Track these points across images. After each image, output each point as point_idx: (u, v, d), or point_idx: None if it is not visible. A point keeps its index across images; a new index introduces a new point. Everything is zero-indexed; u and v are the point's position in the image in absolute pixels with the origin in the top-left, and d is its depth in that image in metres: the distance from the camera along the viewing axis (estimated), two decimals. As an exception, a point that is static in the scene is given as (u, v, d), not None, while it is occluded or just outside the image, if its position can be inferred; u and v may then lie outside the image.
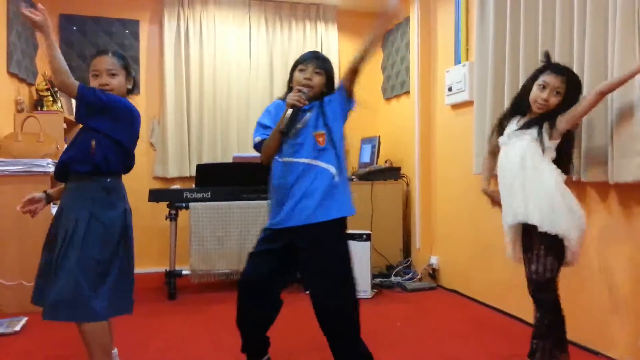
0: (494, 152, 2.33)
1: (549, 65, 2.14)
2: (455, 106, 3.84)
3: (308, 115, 2.10)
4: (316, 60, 2.14)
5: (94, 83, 2.02)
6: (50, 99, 4.01)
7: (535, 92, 2.11)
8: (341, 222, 2.13)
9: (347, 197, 2.16)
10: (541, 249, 2.01)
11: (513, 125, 2.20)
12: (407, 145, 4.44)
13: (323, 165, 2.07)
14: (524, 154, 2.09)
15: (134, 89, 2.16)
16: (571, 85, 2.10)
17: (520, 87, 2.89)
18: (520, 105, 2.21)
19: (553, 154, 2.10)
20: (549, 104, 2.08)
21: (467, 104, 3.63)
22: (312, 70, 2.12)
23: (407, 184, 4.47)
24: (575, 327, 2.32)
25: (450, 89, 3.81)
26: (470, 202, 3.65)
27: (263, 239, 2.16)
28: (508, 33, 3.05)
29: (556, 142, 2.09)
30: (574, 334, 2.31)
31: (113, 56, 2.05)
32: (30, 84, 4.05)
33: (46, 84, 4.00)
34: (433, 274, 4.08)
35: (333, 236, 2.10)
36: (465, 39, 3.70)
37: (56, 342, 2.72)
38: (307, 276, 2.14)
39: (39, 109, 3.98)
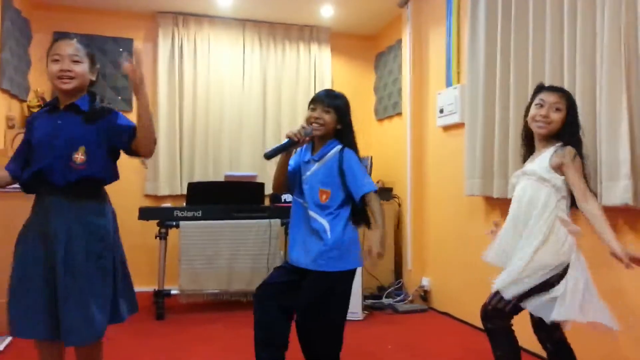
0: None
1: (543, 86, 2.10)
2: (447, 128, 3.86)
3: (317, 165, 2.18)
4: (326, 99, 2.21)
5: (53, 68, 1.80)
6: (42, 115, 3.99)
7: (533, 111, 2.04)
8: (334, 275, 2.14)
9: (345, 254, 2.15)
10: None
11: (527, 161, 2.12)
12: (399, 166, 4.45)
13: (321, 220, 2.15)
14: (525, 196, 2.00)
15: (98, 81, 1.97)
16: (570, 102, 2.02)
17: (510, 109, 2.96)
18: (525, 133, 2.14)
19: (563, 192, 1.94)
20: (549, 119, 1.98)
21: (459, 125, 3.66)
22: (322, 110, 2.18)
23: (399, 205, 4.47)
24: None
25: (441, 111, 3.84)
26: (462, 224, 3.65)
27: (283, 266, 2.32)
28: (499, 56, 3.09)
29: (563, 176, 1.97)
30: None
31: (78, 42, 1.86)
32: (22, 101, 4.04)
33: (38, 100, 4.00)
34: (424, 295, 4.05)
35: (325, 286, 2.13)
36: (457, 62, 3.75)
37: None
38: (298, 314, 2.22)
39: (30, 125, 3.95)
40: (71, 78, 1.82)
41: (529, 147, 2.14)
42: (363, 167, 2.20)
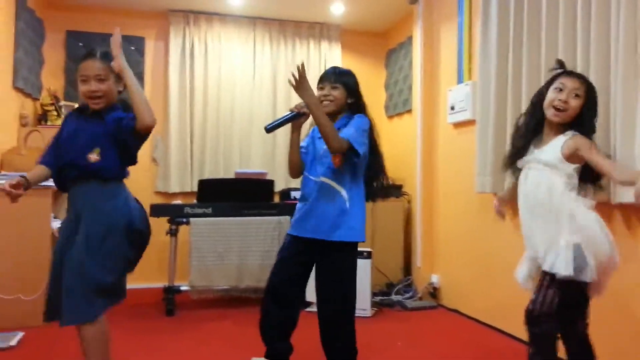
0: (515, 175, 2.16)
1: (564, 70, 2.02)
2: (458, 125, 3.84)
3: None
4: (333, 75, 2.25)
5: (83, 89, 1.97)
6: (55, 113, 4.04)
7: (551, 95, 1.94)
8: (347, 245, 2.21)
9: (357, 223, 2.23)
10: (546, 279, 1.90)
11: (532, 147, 2.04)
12: (409, 163, 4.44)
13: (336, 187, 2.20)
14: (540, 187, 1.95)
15: (125, 89, 2.05)
16: (590, 90, 1.95)
17: (522, 106, 2.93)
18: (533, 116, 2.04)
19: (575, 179, 1.93)
20: (567, 106, 1.91)
21: (470, 122, 3.64)
22: (330, 87, 2.23)
23: (409, 202, 4.46)
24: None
25: (452, 108, 3.82)
26: (471, 221, 3.63)
27: (286, 245, 2.33)
28: (511, 53, 3.06)
29: (578, 165, 1.93)
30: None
31: (102, 59, 1.98)
32: (35, 99, 4.09)
33: (51, 99, 4.04)
34: (434, 292, 4.04)
35: (337, 256, 2.21)
36: (468, 59, 3.72)
37: (52, 357, 2.70)
38: (317, 286, 2.28)
39: (43, 123, 4.01)
40: (99, 97, 1.98)
41: (534, 132, 2.05)
42: (363, 130, 2.21)
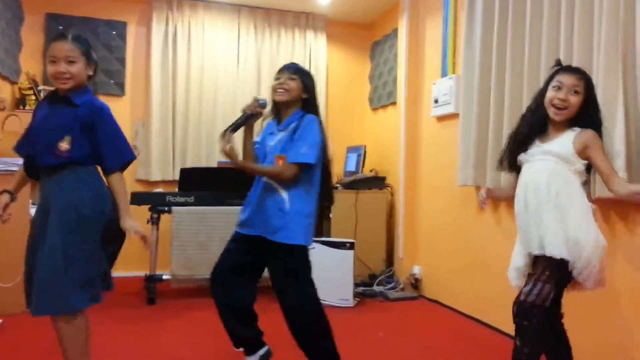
0: (512, 171, 2.11)
1: (562, 67, 2.00)
2: (441, 118, 3.87)
3: (281, 135, 2.21)
4: (293, 68, 2.26)
5: (50, 69, 1.89)
6: (33, 97, 3.95)
7: (550, 94, 1.93)
8: (294, 248, 2.16)
9: (296, 225, 2.15)
10: (545, 273, 1.84)
11: (536, 142, 2.00)
12: (393, 155, 4.46)
13: (276, 187, 2.17)
14: (550, 177, 1.89)
15: (97, 74, 2.02)
16: (589, 84, 1.93)
17: (505, 101, 2.97)
18: (536, 115, 2.01)
19: (584, 176, 1.92)
20: (567, 103, 1.90)
21: (453, 116, 3.66)
22: (287, 77, 2.21)
23: (392, 194, 4.48)
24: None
25: (436, 101, 3.84)
26: (454, 214, 3.67)
27: (232, 238, 2.33)
28: (495, 47, 3.09)
29: (587, 162, 1.90)
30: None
31: (73, 41, 1.90)
32: (13, 82, 3.99)
33: (29, 83, 3.95)
34: (415, 284, 4.08)
35: (287, 259, 2.17)
36: (453, 52, 3.74)
37: (32, 345, 2.66)
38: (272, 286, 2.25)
39: (22, 107, 3.92)
40: (67, 79, 1.89)
41: (537, 128, 2.01)
42: (316, 137, 2.15)
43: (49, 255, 1.83)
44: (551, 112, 1.94)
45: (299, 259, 2.18)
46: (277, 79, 2.24)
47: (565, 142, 1.92)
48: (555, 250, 1.83)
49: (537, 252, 1.90)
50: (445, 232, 3.77)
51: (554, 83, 1.94)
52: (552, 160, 1.91)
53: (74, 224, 1.87)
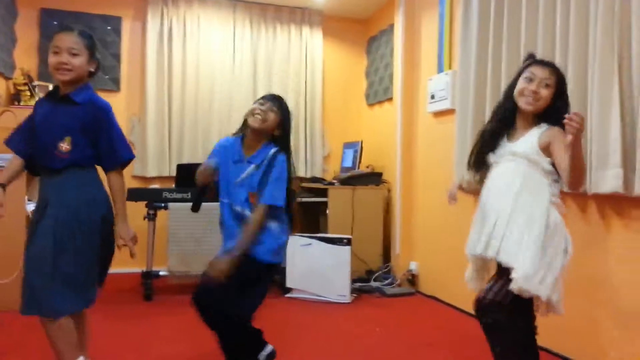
0: (480, 171, 2.05)
1: (535, 60, 1.96)
2: (437, 114, 3.87)
3: (252, 168, 2.14)
4: (276, 99, 2.21)
5: (52, 60, 1.87)
6: (28, 93, 3.92)
7: (522, 84, 1.89)
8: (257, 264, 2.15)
9: (267, 248, 2.15)
10: (503, 278, 1.81)
11: (504, 140, 1.96)
12: (389, 151, 4.46)
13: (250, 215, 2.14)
14: (514, 179, 1.85)
15: (97, 72, 2.02)
16: (560, 79, 1.90)
17: (501, 96, 2.96)
18: (505, 108, 1.97)
19: (555, 176, 1.84)
20: (538, 96, 1.86)
21: (449, 112, 3.67)
22: (269, 107, 2.16)
23: (389, 190, 4.49)
24: (556, 337, 2.34)
25: (432, 97, 3.84)
26: (450, 209, 3.66)
27: None
28: (491, 43, 3.09)
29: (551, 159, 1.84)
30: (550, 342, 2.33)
31: (78, 35, 1.90)
32: (7, 78, 3.96)
33: (24, 79, 3.92)
34: (412, 279, 4.10)
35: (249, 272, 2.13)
36: (449, 48, 3.74)
37: (28, 341, 2.65)
38: None
39: (16, 103, 3.89)
40: (68, 70, 1.88)
41: (506, 123, 1.97)
42: (285, 179, 2.16)
43: (39, 257, 1.82)
44: (522, 101, 1.89)
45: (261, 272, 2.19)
46: (260, 102, 2.18)
47: (530, 139, 1.87)
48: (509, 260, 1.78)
49: (483, 253, 1.88)
50: (441, 228, 3.78)
51: (526, 74, 1.90)
52: (517, 161, 1.87)
53: (69, 228, 1.85)
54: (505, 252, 1.79)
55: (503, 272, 1.83)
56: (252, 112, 2.15)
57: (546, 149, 1.83)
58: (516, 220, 1.80)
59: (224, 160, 2.19)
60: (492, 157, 1.97)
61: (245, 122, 2.19)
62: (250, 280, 2.13)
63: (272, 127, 2.17)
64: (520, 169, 1.86)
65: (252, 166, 2.15)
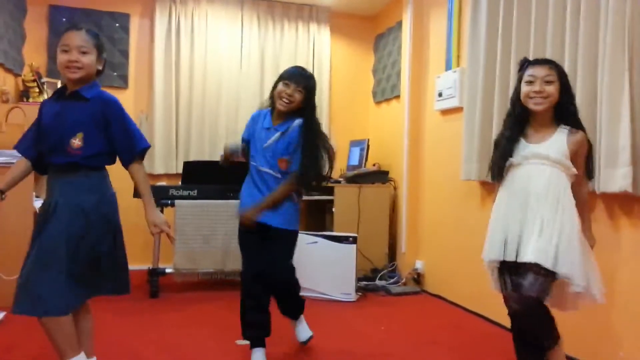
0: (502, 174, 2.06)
1: (530, 61, 2.00)
2: (445, 112, 3.85)
3: (279, 135, 2.37)
4: (300, 78, 2.38)
5: (62, 59, 1.88)
6: (37, 90, 3.94)
7: (525, 89, 1.93)
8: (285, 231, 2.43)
9: (291, 215, 2.44)
10: (540, 275, 1.85)
11: (522, 142, 1.99)
12: (396, 149, 4.44)
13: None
14: (554, 186, 1.89)
15: (104, 70, 2.02)
16: (561, 73, 1.94)
17: (510, 94, 2.94)
18: (516, 115, 2.01)
19: (573, 179, 1.94)
20: (545, 94, 1.90)
21: (457, 110, 3.64)
22: (295, 89, 2.35)
23: (395, 188, 4.47)
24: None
25: (440, 95, 3.82)
26: (457, 208, 3.65)
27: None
28: (500, 40, 3.06)
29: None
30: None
31: (86, 33, 1.91)
32: (16, 75, 3.99)
33: (33, 75, 3.94)
34: (418, 278, 4.08)
35: (282, 237, 2.44)
36: (457, 45, 3.72)
37: (37, 337, 2.67)
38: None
39: (25, 100, 3.91)
40: (79, 68, 1.89)
41: (520, 128, 2.01)
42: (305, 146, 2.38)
43: (39, 255, 1.82)
44: (531, 104, 1.94)
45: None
46: (285, 84, 2.36)
47: (558, 143, 1.91)
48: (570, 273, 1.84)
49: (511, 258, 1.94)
50: (448, 227, 3.76)
51: (526, 78, 1.95)
52: (547, 163, 1.91)
53: (77, 229, 1.84)
54: (563, 264, 1.83)
55: (529, 268, 1.86)
56: (279, 95, 2.36)
57: (571, 156, 1.91)
58: (564, 229, 1.86)
59: (254, 129, 2.46)
60: (514, 159, 1.99)
61: (273, 101, 2.41)
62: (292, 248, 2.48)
63: (298, 106, 2.37)
64: (554, 174, 1.90)
65: (278, 133, 2.37)
